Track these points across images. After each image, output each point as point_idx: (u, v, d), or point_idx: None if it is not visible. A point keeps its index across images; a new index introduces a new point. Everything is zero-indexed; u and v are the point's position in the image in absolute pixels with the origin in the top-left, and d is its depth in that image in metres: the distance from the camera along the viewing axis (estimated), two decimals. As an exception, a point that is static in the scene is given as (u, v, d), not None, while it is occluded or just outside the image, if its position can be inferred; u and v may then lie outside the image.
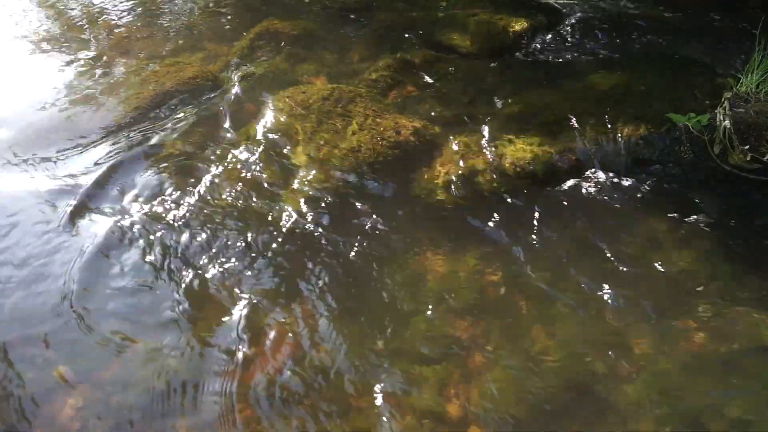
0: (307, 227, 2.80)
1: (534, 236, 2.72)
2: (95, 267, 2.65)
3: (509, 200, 2.89)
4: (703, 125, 2.92)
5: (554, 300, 2.48)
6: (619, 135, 3.02)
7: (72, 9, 4.66)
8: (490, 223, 2.79)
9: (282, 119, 3.31)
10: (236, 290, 2.55)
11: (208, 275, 2.61)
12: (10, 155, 3.23)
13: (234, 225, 2.81)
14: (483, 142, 3.11)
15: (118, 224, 2.82)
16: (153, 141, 3.28)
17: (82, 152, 3.24)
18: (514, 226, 2.78)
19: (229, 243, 2.73)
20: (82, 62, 3.99)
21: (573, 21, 4.04)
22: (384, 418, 2.13)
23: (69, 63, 3.99)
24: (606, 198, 2.87)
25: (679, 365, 2.24)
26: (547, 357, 2.28)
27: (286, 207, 2.87)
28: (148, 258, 2.68)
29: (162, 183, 3.04)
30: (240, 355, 2.33)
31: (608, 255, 2.63)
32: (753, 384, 2.17)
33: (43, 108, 3.56)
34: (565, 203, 2.86)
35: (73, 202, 2.93)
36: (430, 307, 2.48)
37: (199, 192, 2.97)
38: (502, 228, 2.77)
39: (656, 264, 2.57)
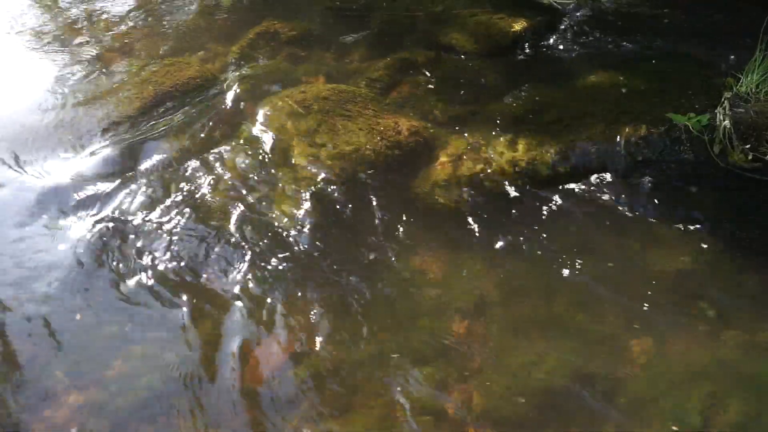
0: (306, 227, 2.80)
1: (534, 236, 2.72)
2: (93, 267, 2.65)
3: (509, 200, 2.89)
4: (703, 125, 2.92)
5: (554, 300, 2.48)
6: (619, 135, 3.02)
7: (72, 9, 4.66)
8: (490, 223, 2.79)
9: (282, 119, 3.31)
10: (235, 290, 2.55)
11: (207, 276, 2.61)
12: (8, 155, 3.23)
13: (232, 225, 2.81)
14: (483, 141, 3.11)
15: (117, 225, 2.83)
16: (152, 141, 3.28)
17: (81, 152, 3.24)
18: (513, 226, 2.78)
19: (228, 244, 2.73)
20: (81, 62, 3.99)
21: (573, 21, 4.04)
22: (384, 418, 2.14)
23: (68, 63, 3.99)
24: (606, 198, 2.86)
25: (679, 365, 2.24)
26: (547, 357, 2.28)
27: (285, 207, 2.87)
28: (147, 258, 2.68)
29: (160, 183, 3.04)
30: (240, 354, 2.34)
31: (608, 255, 2.63)
32: (753, 384, 2.17)
33: (42, 108, 3.55)
34: (565, 203, 2.86)
35: (72, 203, 2.93)
36: (429, 306, 2.48)
37: (198, 192, 2.97)
38: (502, 227, 2.77)
39: (656, 264, 2.57)
